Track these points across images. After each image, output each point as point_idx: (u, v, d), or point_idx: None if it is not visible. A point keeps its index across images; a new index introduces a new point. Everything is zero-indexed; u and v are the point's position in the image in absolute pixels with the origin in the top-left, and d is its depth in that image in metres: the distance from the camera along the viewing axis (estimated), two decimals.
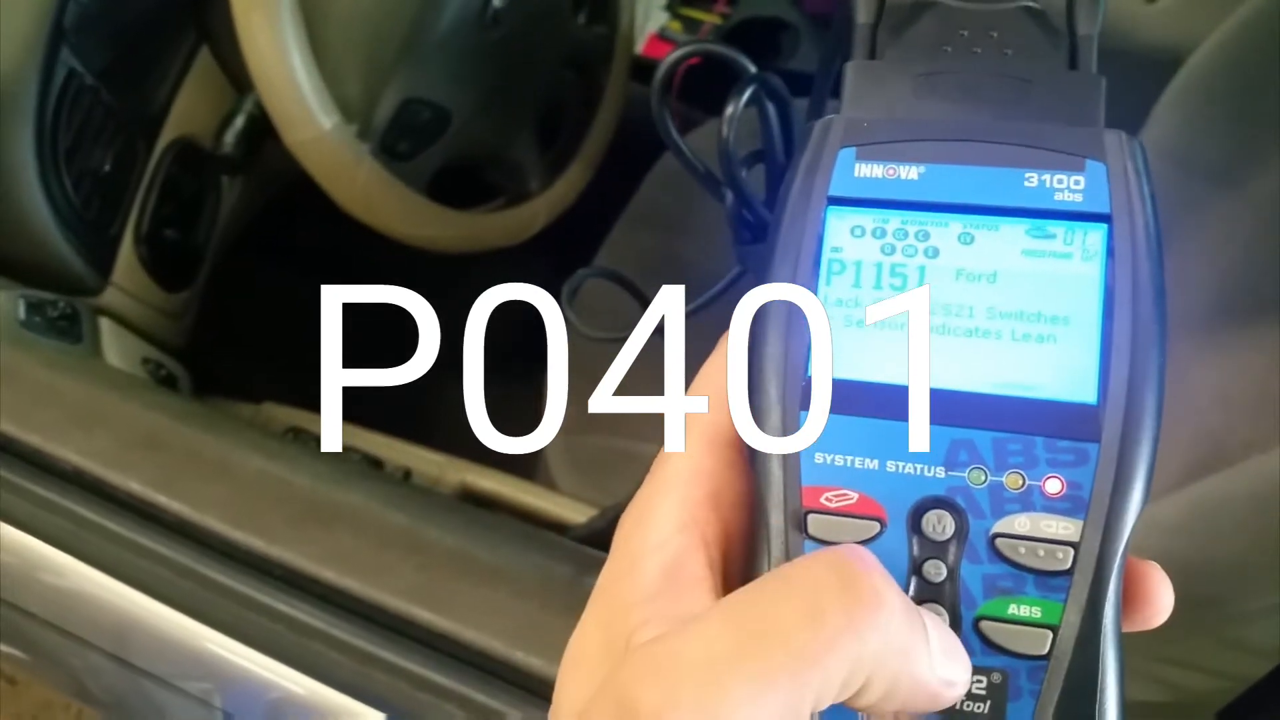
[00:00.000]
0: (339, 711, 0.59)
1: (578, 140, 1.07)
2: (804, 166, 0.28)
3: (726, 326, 0.47)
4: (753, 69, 0.42)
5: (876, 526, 0.26)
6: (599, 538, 0.83)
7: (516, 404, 1.00)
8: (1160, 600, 0.27)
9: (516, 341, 1.07)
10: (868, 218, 0.28)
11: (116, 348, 0.89)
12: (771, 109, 0.43)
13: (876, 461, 0.26)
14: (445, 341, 1.24)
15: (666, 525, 0.26)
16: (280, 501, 0.64)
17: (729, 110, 0.38)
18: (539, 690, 0.55)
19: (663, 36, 1.44)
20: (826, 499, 0.26)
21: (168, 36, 0.95)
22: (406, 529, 0.62)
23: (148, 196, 0.94)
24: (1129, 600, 0.26)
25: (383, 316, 1.20)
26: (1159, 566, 0.27)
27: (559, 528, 0.89)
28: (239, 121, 0.94)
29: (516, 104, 1.01)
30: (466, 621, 0.57)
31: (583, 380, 0.94)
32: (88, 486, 0.66)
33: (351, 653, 0.59)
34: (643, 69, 1.22)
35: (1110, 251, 0.26)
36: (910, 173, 0.28)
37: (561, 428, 0.93)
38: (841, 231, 0.28)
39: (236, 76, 0.95)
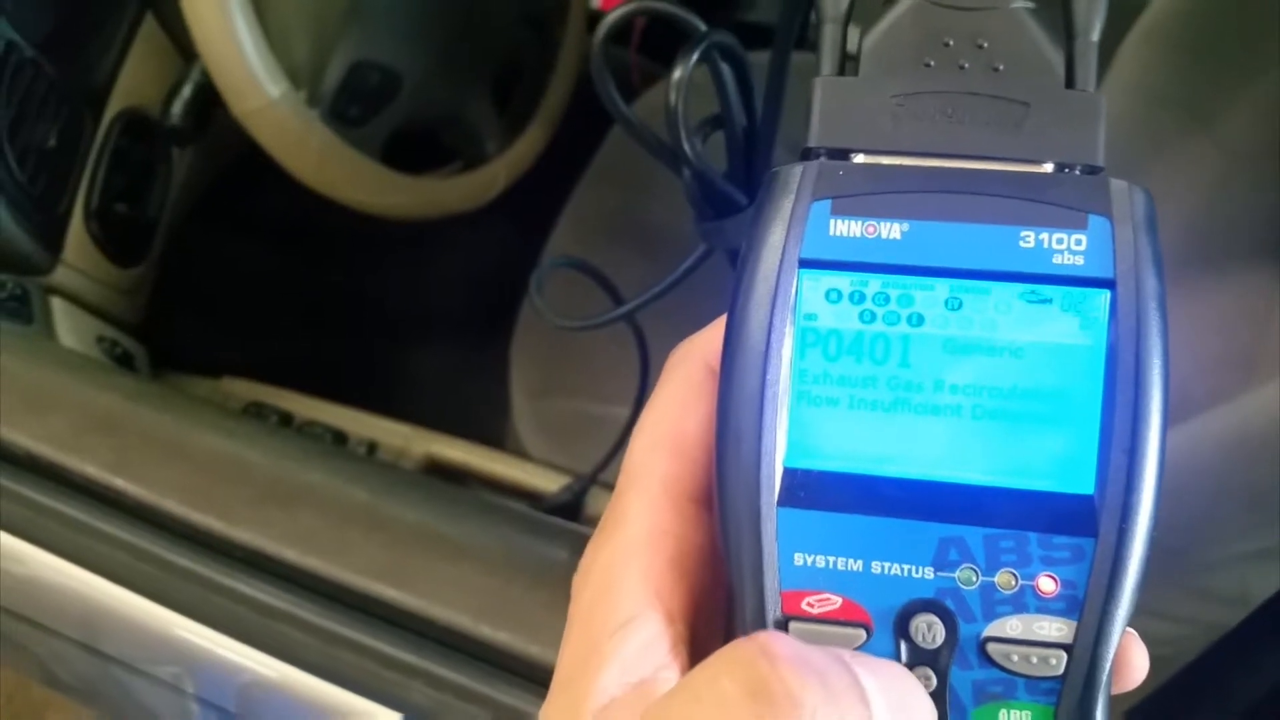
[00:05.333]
0: (310, 693, 0.59)
1: (535, 99, 1.05)
2: (772, 221, 0.25)
3: (693, 305, 0.45)
4: (702, 27, 0.40)
5: (863, 634, 0.25)
6: (569, 509, 0.82)
7: (483, 369, 0.99)
8: (1136, 669, 0.25)
9: (484, 306, 1.06)
10: (845, 280, 0.25)
11: (70, 327, 0.87)
12: (727, 70, 0.40)
13: (860, 562, 0.25)
14: (408, 310, 1.23)
15: (628, 603, 0.24)
16: (239, 482, 0.63)
17: (676, 74, 0.36)
18: (507, 665, 0.54)
19: None
20: (808, 604, 0.25)
21: (110, 4, 0.92)
22: (369, 506, 0.61)
23: (96, 170, 0.91)
24: None
25: (337, 285, 1.19)
26: (1135, 635, 0.25)
27: (531, 496, 0.89)
28: (186, 91, 0.91)
29: (470, 64, 0.99)
30: (432, 598, 0.56)
31: (548, 344, 0.93)
32: (43, 472, 0.65)
33: (317, 633, 0.58)
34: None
35: (1113, 321, 0.24)
36: (892, 231, 0.25)
37: (528, 393, 0.92)
38: (816, 296, 0.25)
39: (183, 44, 0.92)
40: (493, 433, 0.95)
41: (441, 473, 0.94)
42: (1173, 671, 0.51)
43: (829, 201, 0.25)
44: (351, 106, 0.88)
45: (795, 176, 0.25)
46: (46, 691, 0.84)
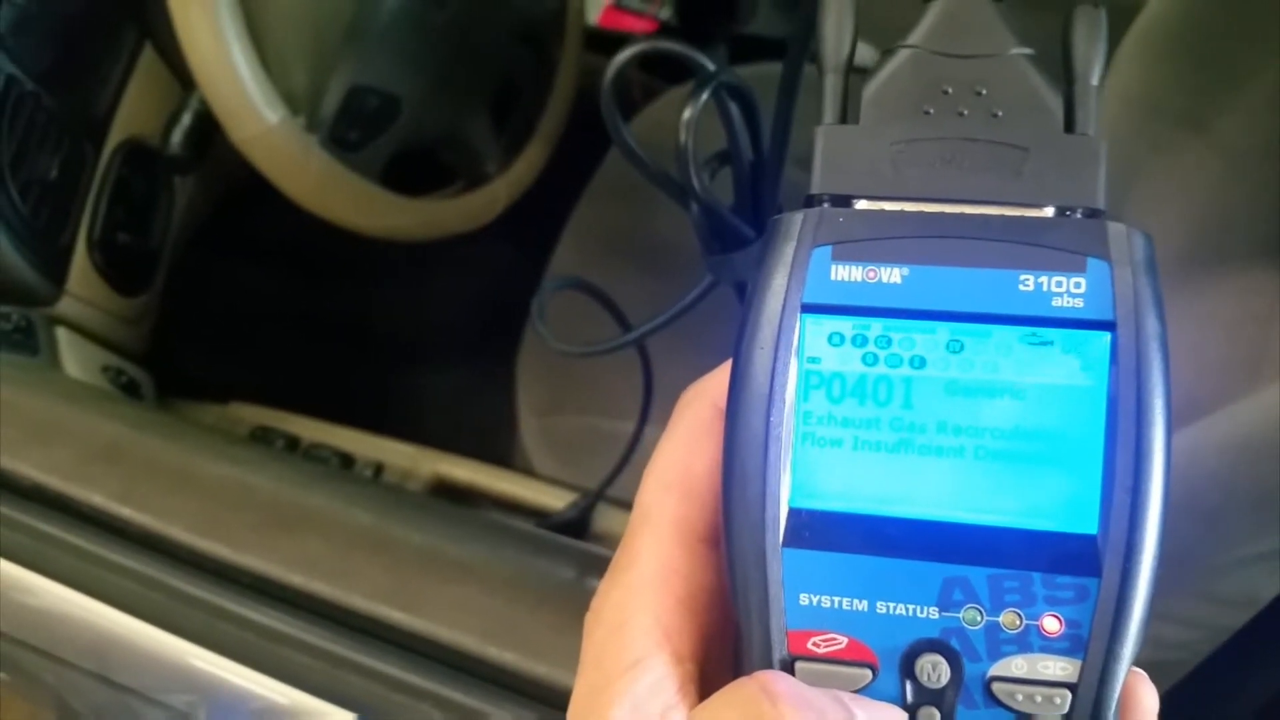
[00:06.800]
0: (320, 718, 0.59)
1: (534, 118, 1.05)
2: (775, 267, 0.26)
3: (698, 326, 0.44)
4: (711, 67, 0.40)
5: (868, 674, 0.25)
6: (576, 526, 0.82)
7: (489, 387, 0.99)
8: (1144, 714, 0.25)
9: (489, 325, 1.06)
10: (847, 323, 0.26)
11: (75, 357, 0.88)
12: (734, 109, 0.41)
13: (865, 602, 0.25)
14: (413, 331, 1.23)
15: (639, 642, 0.25)
16: (244, 508, 0.63)
17: (687, 114, 0.36)
18: (514, 686, 0.54)
19: (619, 5, 1.42)
20: (814, 644, 0.25)
21: (109, 35, 0.93)
22: (373, 529, 0.61)
23: (98, 201, 0.92)
24: None
25: (341, 307, 1.19)
26: (1144, 674, 0.25)
27: (539, 514, 0.89)
28: (186, 119, 0.92)
29: (468, 85, 0.99)
30: (438, 620, 0.56)
31: (554, 361, 0.93)
32: (49, 502, 0.66)
33: (324, 657, 0.58)
34: (601, 40, 1.19)
35: (1114, 362, 0.24)
36: (892, 275, 0.25)
37: (535, 410, 0.92)
38: (819, 340, 0.26)
39: (182, 73, 0.93)
40: (500, 451, 0.95)
41: (449, 492, 0.94)
42: (1181, 676, 0.50)
43: (830, 247, 0.26)
44: (350, 131, 0.89)
45: (796, 224, 0.26)
46: None
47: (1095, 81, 0.27)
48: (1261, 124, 0.66)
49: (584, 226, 1.00)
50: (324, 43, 0.87)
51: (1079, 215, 0.25)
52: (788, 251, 0.26)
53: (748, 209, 0.44)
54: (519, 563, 0.59)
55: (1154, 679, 0.26)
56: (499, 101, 1.03)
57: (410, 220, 0.96)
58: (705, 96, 0.36)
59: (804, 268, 0.26)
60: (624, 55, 0.37)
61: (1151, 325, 0.24)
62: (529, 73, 1.05)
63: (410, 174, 0.97)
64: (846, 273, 0.25)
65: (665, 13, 1.34)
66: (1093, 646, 0.24)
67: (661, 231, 0.94)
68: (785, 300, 0.25)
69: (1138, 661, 0.25)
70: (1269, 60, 0.66)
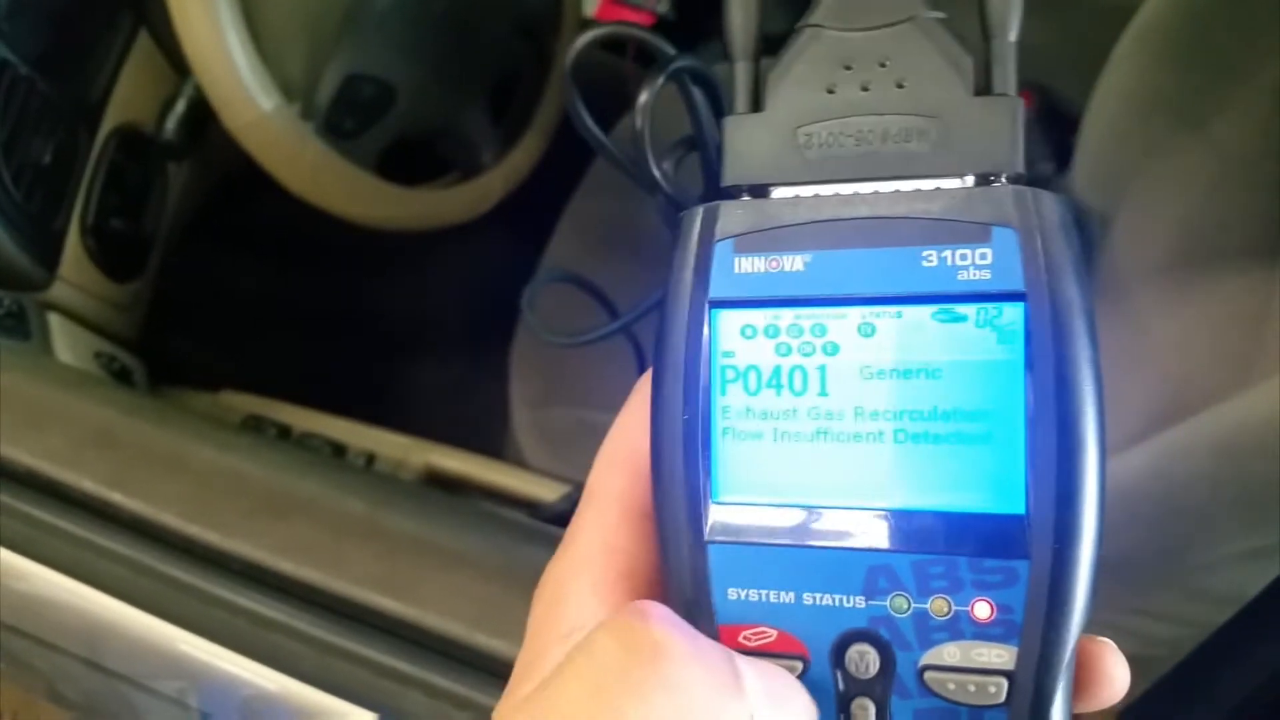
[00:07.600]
0: (309, 704, 0.59)
1: (530, 109, 1.05)
2: (681, 264, 0.26)
3: None
4: (670, 51, 0.40)
5: (800, 665, 0.25)
6: (567, 517, 0.82)
7: (482, 379, 0.99)
8: (1115, 682, 0.25)
9: (483, 321, 1.06)
10: (757, 315, 0.25)
11: (67, 343, 0.88)
12: (698, 93, 0.40)
13: (793, 594, 0.25)
14: (406, 322, 1.23)
15: (574, 613, 0.25)
16: (236, 494, 0.63)
17: (642, 99, 0.36)
18: (504, 673, 0.54)
19: None
20: (745, 638, 0.25)
21: (104, 21, 0.93)
22: (365, 516, 0.61)
23: (92, 186, 0.92)
24: (1082, 683, 0.24)
25: (334, 297, 1.18)
26: (1113, 645, 0.25)
27: (530, 505, 0.89)
28: (180, 106, 0.92)
29: (464, 75, 0.99)
30: (428, 607, 0.56)
31: (547, 354, 0.93)
32: (41, 487, 0.65)
33: (314, 644, 0.58)
34: None
35: (1029, 333, 0.23)
36: (795, 263, 0.25)
37: (527, 402, 0.92)
38: (731, 334, 0.25)
39: (177, 59, 0.93)
40: (492, 443, 0.95)
41: (440, 483, 0.94)
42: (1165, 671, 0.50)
43: (732, 240, 0.25)
44: (346, 119, 0.88)
45: (698, 219, 0.26)
46: (51, 708, 0.84)
47: (1013, 37, 0.25)
48: (1259, 124, 0.66)
49: (580, 219, 1.00)
50: (320, 30, 0.87)
51: (1003, 180, 0.24)
52: (691, 248, 0.26)
53: (715, 195, 0.44)
54: (510, 551, 0.59)
55: (1142, 675, 0.25)
56: (495, 92, 1.03)
57: (405, 210, 0.96)
58: (662, 81, 0.36)
59: (708, 263, 0.25)
60: (584, 39, 0.37)
61: (1068, 291, 0.23)
62: (526, 64, 1.05)
63: (405, 164, 0.97)
64: (750, 264, 0.25)
65: (663, 6, 1.34)
66: (1027, 632, 0.23)
67: (657, 224, 0.94)
68: (692, 298, 0.25)
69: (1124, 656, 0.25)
70: (1267, 60, 0.66)
